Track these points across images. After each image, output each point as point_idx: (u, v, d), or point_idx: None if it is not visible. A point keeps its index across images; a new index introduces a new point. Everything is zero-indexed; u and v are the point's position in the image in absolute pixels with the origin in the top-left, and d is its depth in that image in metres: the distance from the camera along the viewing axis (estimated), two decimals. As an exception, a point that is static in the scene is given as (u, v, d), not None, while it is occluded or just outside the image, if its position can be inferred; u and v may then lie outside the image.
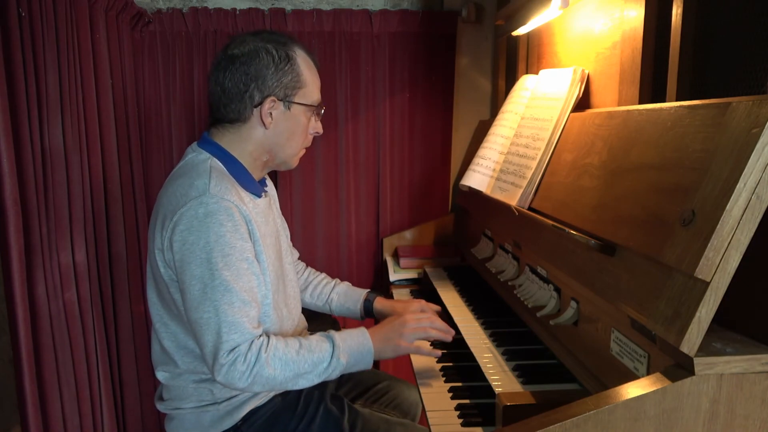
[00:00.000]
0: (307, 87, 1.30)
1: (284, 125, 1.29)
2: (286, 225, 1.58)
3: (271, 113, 1.27)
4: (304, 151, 1.39)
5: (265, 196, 1.38)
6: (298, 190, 2.33)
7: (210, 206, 1.15)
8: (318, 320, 1.97)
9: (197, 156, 1.27)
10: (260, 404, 1.32)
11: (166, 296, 1.26)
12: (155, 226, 1.23)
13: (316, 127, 1.37)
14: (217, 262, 1.14)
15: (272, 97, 1.25)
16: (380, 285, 2.38)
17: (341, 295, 1.67)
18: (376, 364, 1.47)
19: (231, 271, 1.15)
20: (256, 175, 1.34)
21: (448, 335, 1.38)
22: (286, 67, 1.26)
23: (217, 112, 1.29)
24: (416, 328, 1.34)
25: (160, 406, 1.34)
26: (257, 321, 1.20)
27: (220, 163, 1.26)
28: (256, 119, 1.27)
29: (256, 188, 1.32)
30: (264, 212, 1.34)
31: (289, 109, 1.28)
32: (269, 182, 1.52)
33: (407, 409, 1.62)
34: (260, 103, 1.25)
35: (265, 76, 1.24)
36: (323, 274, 1.72)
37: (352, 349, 1.26)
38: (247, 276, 1.18)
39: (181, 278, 1.17)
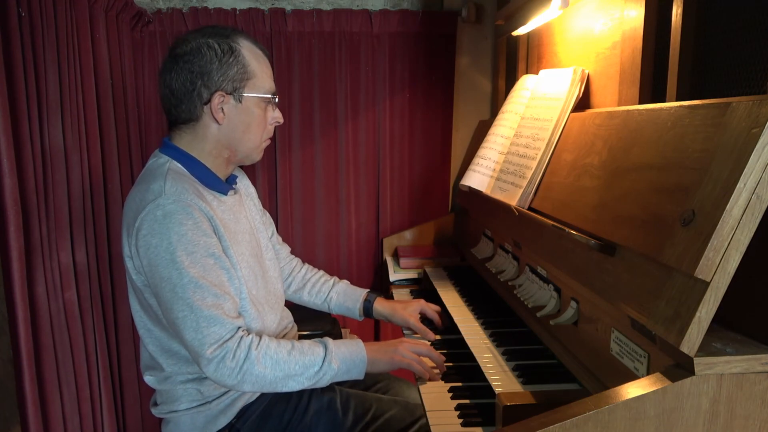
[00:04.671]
0: (256, 77, 1.28)
1: (238, 119, 1.27)
2: (269, 220, 1.57)
3: (222, 108, 1.25)
4: (268, 141, 1.37)
5: (234, 193, 1.38)
6: (298, 190, 2.32)
7: (167, 207, 1.15)
8: (317, 320, 1.97)
9: (157, 161, 1.27)
10: (253, 400, 1.33)
11: (144, 303, 1.27)
12: (122, 235, 1.24)
13: (276, 116, 1.35)
14: (183, 261, 1.14)
15: (220, 92, 1.24)
16: (380, 285, 2.38)
17: (341, 293, 1.66)
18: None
19: (197, 268, 1.15)
20: (221, 173, 1.33)
21: (441, 368, 1.37)
22: (230, 60, 1.24)
23: (170, 114, 1.29)
24: (411, 351, 1.34)
25: (155, 412, 1.34)
26: (235, 312, 1.20)
27: (180, 165, 1.26)
28: (208, 117, 1.26)
29: (220, 186, 1.31)
30: (232, 209, 1.34)
31: (240, 102, 1.26)
32: (244, 179, 1.51)
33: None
34: (209, 100, 1.24)
35: (209, 72, 1.23)
36: (321, 272, 1.72)
37: (345, 356, 1.26)
38: (215, 271, 1.18)
39: (152, 282, 1.18)
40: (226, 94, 1.25)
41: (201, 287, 1.14)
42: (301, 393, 1.34)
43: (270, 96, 1.32)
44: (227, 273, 1.21)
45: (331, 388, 1.37)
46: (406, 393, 1.62)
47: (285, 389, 1.21)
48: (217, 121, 1.26)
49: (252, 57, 1.28)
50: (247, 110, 1.28)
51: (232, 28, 1.30)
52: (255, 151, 1.34)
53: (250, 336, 1.19)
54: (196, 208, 1.18)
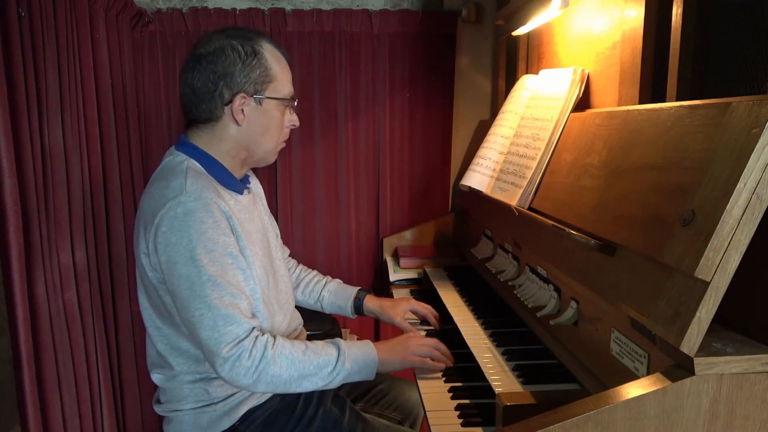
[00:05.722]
0: (277, 80, 1.29)
1: (258, 121, 1.28)
2: (274, 222, 1.58)
3: (242, 110, 1.26)
4: (283, 144, 1.38)
5: (248, 193, 1.38)
6: (298, 190, 2.32)
7: (188, 205, 1.15)
8: (318, 320, 1.97)
9: (174, 159, 1.27)
10: (258, 404, 1.32)
11: (156, 300, 1.26)
12: (139, 232, 1.23)
13: (292, 119, 1.36)
14: (202, 259, 1.14)
15: (242, 94, 1.25)
16: (380, 285, 2.38)
17: (332, 292, 1.67)
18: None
19: (216, 267, 1.15)
20: (237, 173, 1.34)
21: (448, 360, 1.39)
22: (254, 62, 1.25)
23: (189, 113, 1.29)
24: (421, 345, 1.36)
25: (158, 409, 1.34)
26: (250, 312, 1.20)
27: (198, 164, 1.26)
28: (229, 117, 1.26)
29: (236, 186, 1.32)
30: (247, 209, 1.34)
31: (260, 104, 1.27)
32: (254, 180, 1.52)
33: (409, 411, 1.61)
34: (230, 101, 1.25)
35: (232, 73, 1.23)
36: (315, 272, 1.73)
37: (357, 356, 1.26)
38: (233, 270, 1.18)
39: (169, 280, 1.17)
40: (248, 95, 1.25)
41: (219, 286, 1.14)
42: (308, 404, 1.34)
43: (289, 99, 1.33)
44: (243, 273, 1.22)
45: (341, 407, 1.37)
46: (407, 393, 1.62)
47: (299, 389, 1.21)
48: (236, 122, 1.27)
49: (274, 60, 1.29)
50: (266, 113, 1.29)
51: (256, 31, 1.30)
52: (270, 153, 1.36)
53: (266, 336, 1.19)
54: (216, 207, 1.19)
